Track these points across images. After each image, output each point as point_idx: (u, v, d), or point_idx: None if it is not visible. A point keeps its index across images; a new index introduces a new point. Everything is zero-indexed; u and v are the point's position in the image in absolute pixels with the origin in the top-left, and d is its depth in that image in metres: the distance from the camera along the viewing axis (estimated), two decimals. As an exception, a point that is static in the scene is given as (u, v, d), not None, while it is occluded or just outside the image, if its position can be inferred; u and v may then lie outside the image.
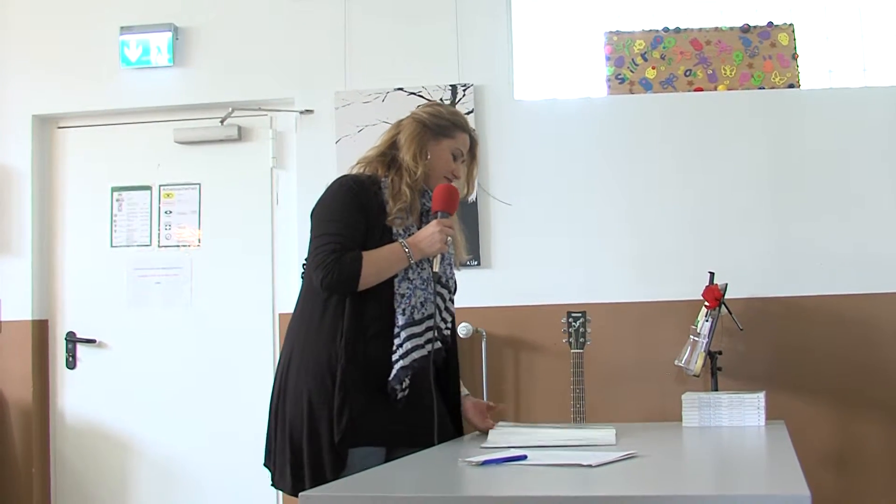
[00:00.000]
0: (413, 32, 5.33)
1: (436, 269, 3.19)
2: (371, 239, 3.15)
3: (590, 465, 2.42)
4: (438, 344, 3.22)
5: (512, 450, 2.73)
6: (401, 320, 3.15)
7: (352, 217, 3.16)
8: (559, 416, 4.67)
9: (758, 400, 3.44)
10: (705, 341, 4.43)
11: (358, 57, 5.30)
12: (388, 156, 3.31)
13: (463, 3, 5.27)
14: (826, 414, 4.92)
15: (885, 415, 4.91)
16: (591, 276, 5.08)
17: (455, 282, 3.41)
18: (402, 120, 3.39)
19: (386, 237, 3.17)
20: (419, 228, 3.23)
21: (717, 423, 3.44)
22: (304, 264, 3.23)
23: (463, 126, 3.38)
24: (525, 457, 2.60)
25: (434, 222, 3.18)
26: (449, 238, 3.19)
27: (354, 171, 3.35)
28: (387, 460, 3.06)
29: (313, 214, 3.25)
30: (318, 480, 2.96)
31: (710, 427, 3.42)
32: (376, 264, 3.11)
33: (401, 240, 3.16)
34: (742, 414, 3.44)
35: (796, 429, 4.79)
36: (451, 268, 3.38)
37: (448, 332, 3.32)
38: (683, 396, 3.50)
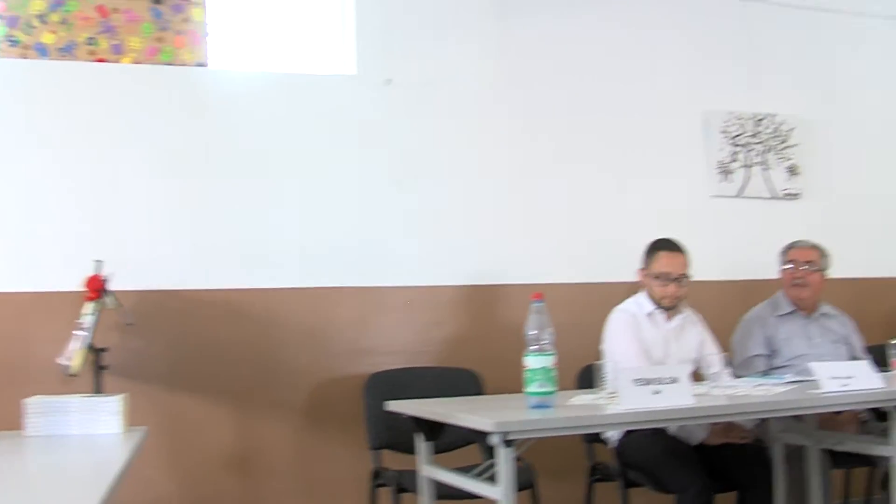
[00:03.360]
0: None
1: None
2: None
3: None
4: None
5: None
6: None
7: None
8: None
9: (113, 404, 3.07)
10: (87, 336, 4.00)
11: None
12: None
13: None
14: (228, 413, 4.67)
15: (287, 414, 4.75)
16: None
17: None
18: None
19: None
20: None
21: (66, 431, 3.03)
22: None
23: None
24: None
25: None
26: None
27: None
28: None
29: None
30: None
31: (56, 436, 3.00)
32: None
33: None
34: (96, 420, 3.05)
35: (196, 429, 4.56)
36: None
37: None
38: (27, 401, 3.06)
